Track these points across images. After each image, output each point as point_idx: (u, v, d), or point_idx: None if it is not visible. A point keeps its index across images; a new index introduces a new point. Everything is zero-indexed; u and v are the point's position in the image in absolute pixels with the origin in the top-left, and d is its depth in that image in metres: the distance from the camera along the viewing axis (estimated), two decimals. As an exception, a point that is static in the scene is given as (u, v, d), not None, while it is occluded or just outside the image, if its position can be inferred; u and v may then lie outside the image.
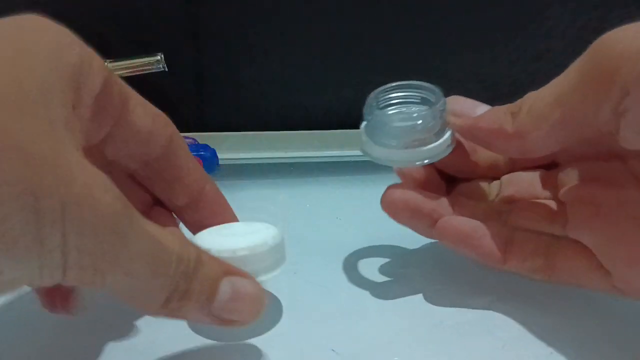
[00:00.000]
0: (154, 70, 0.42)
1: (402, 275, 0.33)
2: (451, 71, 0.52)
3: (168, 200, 0.29)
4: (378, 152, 0.29)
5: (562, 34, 0.51)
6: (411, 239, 0.32)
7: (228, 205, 0.30)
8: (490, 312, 0.30)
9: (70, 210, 0.17)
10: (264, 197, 0.43)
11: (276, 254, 0.27)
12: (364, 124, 0.30)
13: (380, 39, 0.51)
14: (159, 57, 0.41)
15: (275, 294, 0.29)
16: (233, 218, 0.30)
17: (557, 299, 0.31)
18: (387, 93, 0.31)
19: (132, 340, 0.28)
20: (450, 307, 0.30)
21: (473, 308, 0.30)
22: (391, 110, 0.30)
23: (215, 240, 0.27)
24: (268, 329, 0.29)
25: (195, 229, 0.30)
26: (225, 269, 0.23)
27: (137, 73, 0.41)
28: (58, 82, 0.20)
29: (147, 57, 0.41)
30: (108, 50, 0.43)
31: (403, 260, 0.34)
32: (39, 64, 0.20)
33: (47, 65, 0.20)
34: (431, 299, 0.31)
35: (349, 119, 0.52)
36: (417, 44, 0.51)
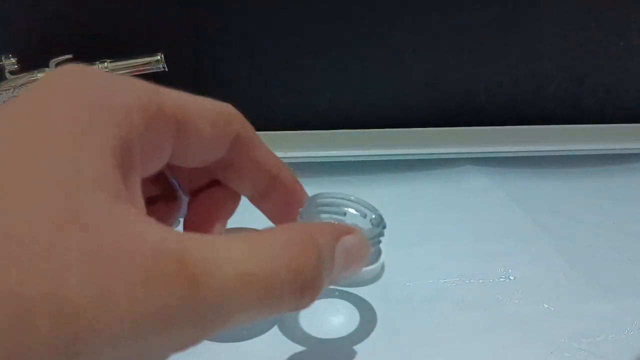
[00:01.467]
0: (153, 70, 0.42)
1: (402, 275, 0.33)
2: (449, 72, 0.52)
3: (240, 190, 0.28)
4: None
5: (561, 35, 0.51)
6: (412, 238, 0.32)
7: (302, 193, 0.28)
8: (490, 312, 0.30)
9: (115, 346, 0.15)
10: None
11: None
12: None
13: (380, 39, 0.51)
14: (159, 57, 0.41)
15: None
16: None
17: (557, 298, 0.31)
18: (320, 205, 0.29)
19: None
20: (451, 307, 0.30)
21: (473, 308, 0.30)
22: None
23: None
24: (266, 329, 0.29)
25: (272, 218, 0.29)
26: (336, 234, 0.21)
27: (137, 73, 0.41)
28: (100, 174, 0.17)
29: (147, 57, 0.41)
30: (108, 50, 0.43)
31: (404, 259, 0.34)
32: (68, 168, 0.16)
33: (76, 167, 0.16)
34: (432, 299, 0.31)
35: (349, 119, 0.52)
36: (416, 45, 0.51)
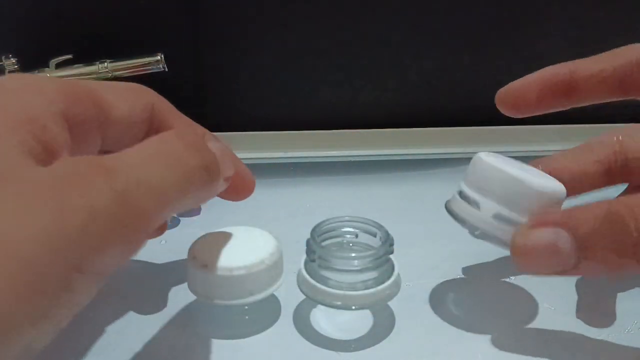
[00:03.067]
0: (154, 70, 0.42)
1: (402, 275, 0.33)
2: (450, 71, 0.52)
3: None
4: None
5: (561, 34, 0.51)
6: (411, 238, 0.32)
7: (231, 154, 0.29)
8: (490, 312, 0.30)
9: None
10: (264, 197, 0.43)
11: (273, 271, 0.27)
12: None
13: (380, 39, 0.51)
14: (159, 57, 0.41)
15: (275, 293, 0.29)
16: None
17: (557, 298, 0.31)
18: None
19: (131, 337, 0.28)
20: (450, 306, 0.31)
21: (473, 308, 0.30)
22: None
23: (213, 254, 0.27)
24: (266, 328, 0.29)
25: None
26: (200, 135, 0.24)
27: (137, 73, 0.41)
28: None
29: (147, 57, 0.41)
30: (108, 50, 0.43)
31: (404, 259, 0.34)
32: None
33: None
34: (431, 299, 0.31)
35: (349, 119, 0.52)
36: (416, 44, 0.51)
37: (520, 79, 0.32)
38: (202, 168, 0.22)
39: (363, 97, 0.53)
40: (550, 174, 0.28)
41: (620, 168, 0.29)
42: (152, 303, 0.31)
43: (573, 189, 0.28)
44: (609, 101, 0.32)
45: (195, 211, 0.41)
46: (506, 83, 0.34)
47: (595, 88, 0.31)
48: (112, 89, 0.25)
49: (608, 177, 0.29)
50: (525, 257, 0.24)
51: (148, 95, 0.27)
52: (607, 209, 0.23)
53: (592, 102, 0.31)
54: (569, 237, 0.23)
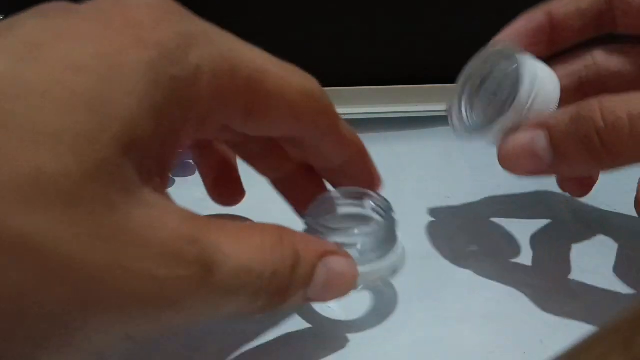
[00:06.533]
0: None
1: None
2: (451, 28, 0.50)
3: (313, 164, 0.27)
4: None
5: None
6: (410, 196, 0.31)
7: (372, 167, 0.27)
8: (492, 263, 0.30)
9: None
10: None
11: None
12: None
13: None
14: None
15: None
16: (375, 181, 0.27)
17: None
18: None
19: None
20: (449, 260, 0.30)
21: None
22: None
23: None
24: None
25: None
26: (321, 251, 0.21)
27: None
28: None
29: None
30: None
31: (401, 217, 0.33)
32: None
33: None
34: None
35: (351, 76, 0.50)
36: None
37: (499, 34, 0.31)
38: (265, 296, 0.19)
39: (365, 52, 0.50)
40: (552, 23, 0.29)
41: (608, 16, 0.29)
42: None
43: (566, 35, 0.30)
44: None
45: (189, 170, 0.39)
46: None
47: (574, 27, 0.29)
48: (282, 88, 0.21)
49: (599, 20, 0.29)
50: (506, 158, 0.25)
51: (315, 107, 0.24)
52: (579, 107, 0.24)
53: (570, 44, 0.31)
54: (545, 136, 0.24)
